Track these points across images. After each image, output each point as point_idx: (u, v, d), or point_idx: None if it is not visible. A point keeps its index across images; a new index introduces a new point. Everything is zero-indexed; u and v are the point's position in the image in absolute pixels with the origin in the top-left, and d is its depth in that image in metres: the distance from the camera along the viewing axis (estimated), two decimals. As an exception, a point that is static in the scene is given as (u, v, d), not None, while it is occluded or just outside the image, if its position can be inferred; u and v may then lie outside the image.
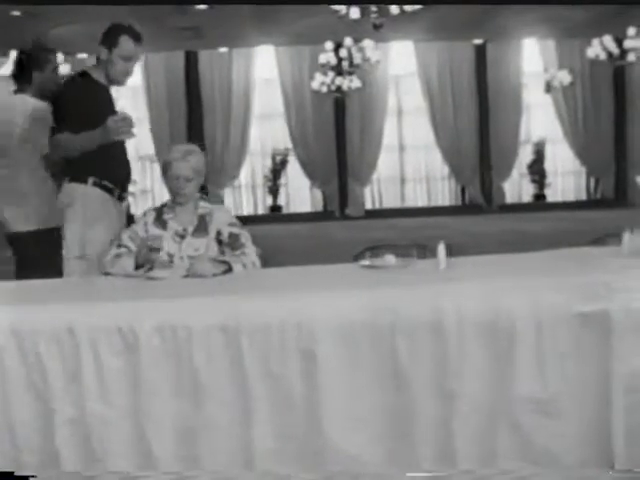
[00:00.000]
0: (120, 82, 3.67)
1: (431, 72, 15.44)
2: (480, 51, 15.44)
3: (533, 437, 2.21)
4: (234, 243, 3.05)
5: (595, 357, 2.22)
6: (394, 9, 8.47)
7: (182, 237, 3.08)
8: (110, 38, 3.55)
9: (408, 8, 8.57)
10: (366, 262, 2.73)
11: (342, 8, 8.56)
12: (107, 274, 3.01)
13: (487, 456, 2.22)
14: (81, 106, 3.41)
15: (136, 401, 2.21)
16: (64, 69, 12.19)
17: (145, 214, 3.19)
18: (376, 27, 8.53)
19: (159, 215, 3.14)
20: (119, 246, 3.07)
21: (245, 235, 3.10)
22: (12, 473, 2.20)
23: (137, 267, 2.93)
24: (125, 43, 3.55)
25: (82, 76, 3.61)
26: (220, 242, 3.09)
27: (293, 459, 2.22)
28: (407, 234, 12.38)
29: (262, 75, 15.43)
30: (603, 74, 14.63)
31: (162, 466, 2.21)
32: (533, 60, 15.56)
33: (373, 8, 8.48)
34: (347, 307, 2.19)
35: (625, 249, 2.64)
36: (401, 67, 15.68)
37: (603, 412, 2.22)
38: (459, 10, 12.77)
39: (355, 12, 8.64)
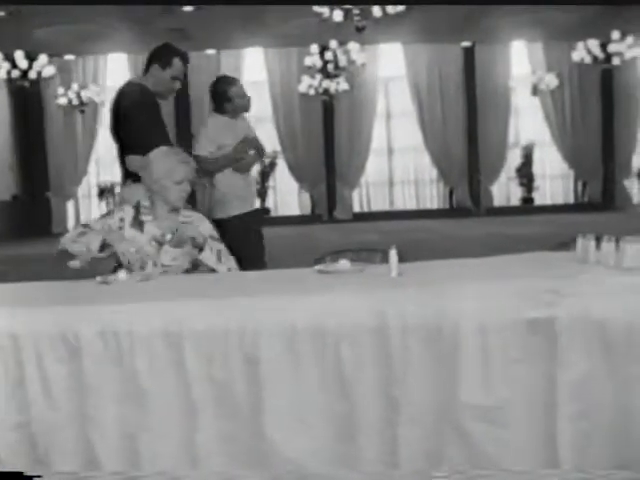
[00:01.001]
0: (165, 97, 4.12)
1: (420, 75, 15.49)
2: (468, 54, 15.50)
3: (479, 443, 2.19)
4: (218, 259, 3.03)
5: (542, 364, 2.21)
6: (377, 11, 8.45)
7: (160, 244, 2.98)
8: (164, 58, 4.00)
9: (391, 10, 8.56)
10: (320, 267, 2.71)
11: (325, 11, 8.55)
12: (64, 252, 2.89)
13: (433, 461, 2.21)
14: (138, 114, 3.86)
15: (80, 406, 2.19)
16: (48, 71, 12.21)
17: (122, 210, 3.03)
18: (359, 30, 8.53)
19: (136, 215, 3.00)
20: (84, 226, 2.98)
21: (224, 250, 3.07)
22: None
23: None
24: (177, 65, 4.00)
25: (136, 85, 4.05)
26: (200, 248, 3.04)
27: (238, 463, 2.21)
28: (395, 237, 12.39)
29: (250, 78, 15.43)
30: (591, 77, 14.70)
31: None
32: (522, 63, 15.62)
33: (356, 11, 8.47)
34: (291, 312, 2.18)
35: (578, 254, 2.64)
36: (390, 70, 15.71)
37: (550, 419, 2.21)
38: (447, 12, 12.80)
39: (338, 15, 8.63)
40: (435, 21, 13.51)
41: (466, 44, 15.31)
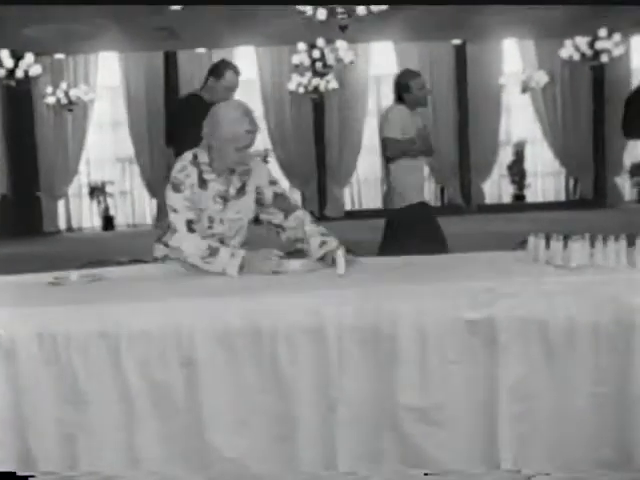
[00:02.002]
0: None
1: (411, 72, 15.39)
2: (460, 51, 15.46)
3: (417, 444, 2.19)
4: (283, 204, 2.95)
5: (482, 365, 2.20)
6: (361, 10, 8.43)
7: (224, 199, 2.89)
8: (218, 71, 4.53)
9: (375, 9, 8.53)
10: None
11: (308, 9, 8.53)
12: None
13: (371, 462, 2.20)
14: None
15: (17, 407, 2.18)
16: (35, 70, 12.18)
17: (187, 174, 2.82)
18: (342, 28, 8.51)
19: (200, 175, 2.85)
20: (188, 224, 2.75)
21: (286, 191, 3.04)
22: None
23: None
24: (229, 76, 4.50)
25: (194, 96, 4.57)
26: (260, 202, 2.97)
27: (177, 464, 2.20)
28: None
29: (242, 76, 15.38)
30: (582, 75, 14.66)
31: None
32: (513, 61, 15.58)
33: (339, 9, 8.44)
34: (226, 313, 2.17)
35: (530, 254, 2.62)
36: (382, 68, 15.67)
37: (490, 420, 2.20)
38: (437, 10, 12.76)
39: (322, 13, 8.61)
40: (426, 19, 13.47)
41: (457, 42, 15.27)
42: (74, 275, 2.74)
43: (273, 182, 3.00)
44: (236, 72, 4.56)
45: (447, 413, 2.19)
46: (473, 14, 13.34)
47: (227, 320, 2.16)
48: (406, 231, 4.64)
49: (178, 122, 4.48)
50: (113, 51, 14.81)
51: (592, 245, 2.46)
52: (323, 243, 2.86)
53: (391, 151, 4.73)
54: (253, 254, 2.75)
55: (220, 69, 4.56)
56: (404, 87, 4.85)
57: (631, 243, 2.44)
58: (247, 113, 2.84)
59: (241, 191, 2.92)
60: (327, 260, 2.75)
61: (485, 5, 12.67)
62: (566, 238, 2.47)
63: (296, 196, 15.88)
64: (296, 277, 2.55)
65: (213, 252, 2.71)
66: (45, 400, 2.17)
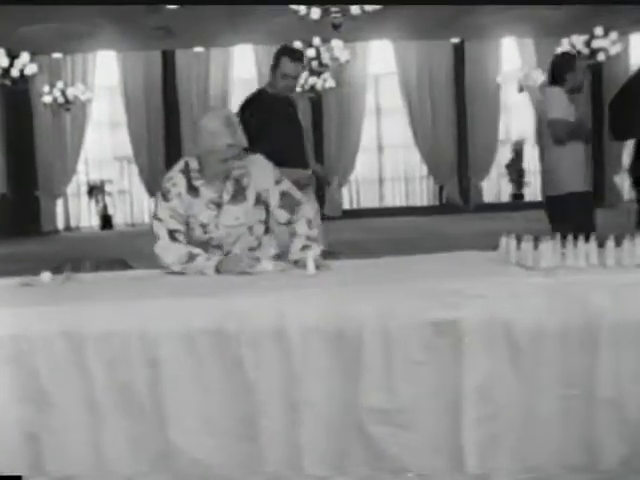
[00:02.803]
0: (287, 95, 4.29)
1: (410, 71, 15.43)
2: (458, 50, 15.43)
3: (383, 446, 2.18)
4: (290, 204, 2.86)
5: (448, 366, 2.19)
6: (354, 9, 8.42)
7: (217, 205, 2.83)
8: (274, 60, 4.17)
9: (368, 8, 8.52)
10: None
11: (302, 8, 8.52)
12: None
13: (337, 464, 2.20)
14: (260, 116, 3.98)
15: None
16: (31, 69, 12.19)
17: (174, 183, 2.80)
18: (335, 27, 8.50)
19: (189, 181, 2.81)
20: (171, 234, 2.76)
21: (294, 188, 2.92)
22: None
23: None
24: (285, 63, 4.11)
25: (259, 92, 4.29)
26: (266, 207, 2.91)
27: (143, 464, 2.19)
28: (384, 234, 12.35)
29: (240, 75, 15.41)
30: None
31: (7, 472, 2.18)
32: (512, 59, 15.55)
33: (334, 8, 8.43)
34: (190, 314, 2.17)
35: (501, 255, 2.61)
36: (380, 66, 15.66)
37: (455, 422, 2.19)
38: (436, 9, 12.74)
39: (316, 12, 8.60)
40: (424, 18, 13.46)
41: (455, 40, 15.26)
42: (46, 276, 2.73)
43: (278, 181, 2.90)
44: (292, 58, 4.15)
45: (412, 415, 2.18)
46: (471, 13, 13.32)
47: (191, 321, 2.15)
48: (567, 219, 4.30)
49: (246, 122, 4.21)
50: (111, 50, 14.82)
51: (563, 246, 2.45)
52: (305, 247, 2.78)
53: (561, 133, 4.36)
54: (228, 257, 2.78)
55: (275, 57, 4.20)
56: (567, 68, 4.58)
57: (601, 244, 2.42)
58: (229, 125, 2.75)
59: (238, 197, 2.85)
60: (301, 264, 2.68)
61: (483, 5, 12.67)
62: (537, 239, 2.46)
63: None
64: (264, 278, 2.54)
65: (191, 258, 2.73)
66: (9, 401, 2.17)
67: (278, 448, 2.19)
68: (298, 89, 13.57)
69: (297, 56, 4.20)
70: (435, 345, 2.18)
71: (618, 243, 2.45)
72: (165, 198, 2.81)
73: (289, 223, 2.89)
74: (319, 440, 2.19)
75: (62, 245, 12.81)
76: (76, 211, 15.92)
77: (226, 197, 2.84)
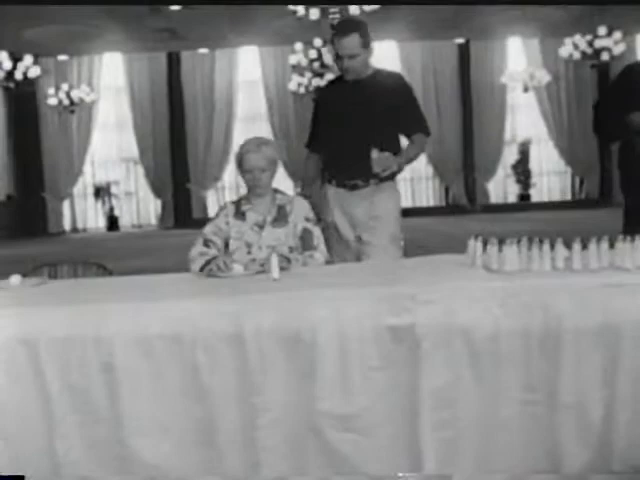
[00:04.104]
0: (349, 77, 3.61)
1: (415, 72, 15.37)
2: (463, 50, 15.37)
3: (340, 451, 2.16)
4: (306, 241, 3.07)
5: (405, 371, 2.17)
6: (353, 10, 8.40)
7: (261, 227, 3.08)
8: (331, 39, 3.58)
9: (367, 8, 8.50)
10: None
11: (300, 9, 8.51)
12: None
13: (294, 468, 2.19)
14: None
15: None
16: (34, 71, 12.25)
17: (224, 207, 3.19)
18: (333, 27, 8.45)
19: (238, 208, 3.15)
20: (205, 242, 3.03)
21: (317, 234, 3.11)
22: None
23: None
24: (336, 41, 3.51)
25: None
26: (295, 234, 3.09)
27: (99, 469, 2.19)
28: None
29: (245, 77, 15.43)
30: (586, 73, 14.51)
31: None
32: (518, 59, 15.47)
33: (333, 9, 8.42)
34: (146, 318, 2.16)
35: (469, 258, 2.59)
36: (385, 66, 15.59)
37: (413, 427, 2.17)
38: (441, 9, 12.70)
39: (315, 13, 8.59)
40: (429, 18, 13.42)
41: (460, 41, 15.20)
42: (15, 279, 2.73)
43: (308, 219, 3.14)
44: (341, 33, 3.47)
45: (369, 420, 2.16)
46: (476, 13, 13.27)
47: (147, 325, 2.15)
48: None
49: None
50: (117, 52, 14.88)
51: (530, 249, 2.42)
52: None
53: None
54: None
55: (330, 40, 3.63)
56: None
57: (568, 247, 2.40)
58: (257, 139, 3.09)
59: (280, 220, 3.09)
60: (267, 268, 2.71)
61: (488, 5, 12.62)
62: (501, 242, 2.43)
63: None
64: (226, 283, 2.53)
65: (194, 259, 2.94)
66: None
67: (236, 452, 2.19)
68: (302, 90, 13.56)
69: (345, 29, 3.51)
70: (392, 350, 2.16)
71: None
72: (212, 219, 3.16)
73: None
74: (277, 445, 2.18)
75: (69, 246, 12.87)
76: (82, 212, 15.98)
77: (269, 218, 3.09)
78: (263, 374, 2.15)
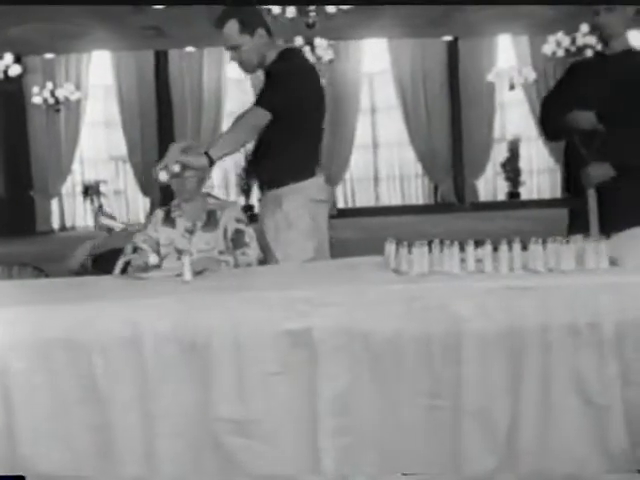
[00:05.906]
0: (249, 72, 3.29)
1: (404, 69, 15.34)
2: (452, 48, 15.32)
3: (237, 457, 2.13)
4: (237, 240, 3.10)
5: (303, 377, 2.14)
6: (330, 8, 8.37)
7: (191, 232, 3.13)
8: None
9: (344, 7, 8.46)
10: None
11: (275, 8, 8.47)
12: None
13: (193, 474, 2.15)
14: None
15: None
16: (15, 70, 12.23)
17: (154, 215, 3.25)
18: (309, 26, 8.45)
19: (167, 214, 3.21)
20: (134, 250, 3.09)
21: (250, 234, 3.14)
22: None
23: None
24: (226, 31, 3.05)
25: None
26: (226, 237, 3.14)
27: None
28: (380, 233, 12.29)
29: (233, 75, 15.40)
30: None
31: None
32: (508, 57, 15.43)
33: (310, 7, 8.38)
34: (41, 322, 2.13)
35: (385, 260, 2.55)
36: (375, 64, 15.60)
37: (311, 433, 2.14)
38: (429, 6, 12.67)
39: (291, 11, 8.55)
40: (417, 15, 13.39)
41: (449, 38, 15.15)
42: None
43: (239, 220, 3.17)
44: (219, 22, 3.01)
45: (267, 426, 2.13)
46: (464, 10, 13.23)
47: (42, 329, 2.12)
48: None
49: None
50: (104, 50, 14.85)
51: (441, 251, 2.39)
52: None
53: None
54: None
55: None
56: None
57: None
58: (181, 145, 2.93)
59: (210, 225, 3.12)
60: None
61: (476, 4, 12.59)
62: (410, 245, 2.40)
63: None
64: (125, 284, 2.51)
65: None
66: None
67: (133, 459, 2.15)
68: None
69: (218, 18, 3.06)
70: (290, 355, 2.13)
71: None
72: (142, 229, 3.21)
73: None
74: (175, 451, 2.15)
75: (57, 245, 12.85)
76: (71, 211, 15.97)
77: (199, 224, 3.14)
78: (161, 379, 2.11)
